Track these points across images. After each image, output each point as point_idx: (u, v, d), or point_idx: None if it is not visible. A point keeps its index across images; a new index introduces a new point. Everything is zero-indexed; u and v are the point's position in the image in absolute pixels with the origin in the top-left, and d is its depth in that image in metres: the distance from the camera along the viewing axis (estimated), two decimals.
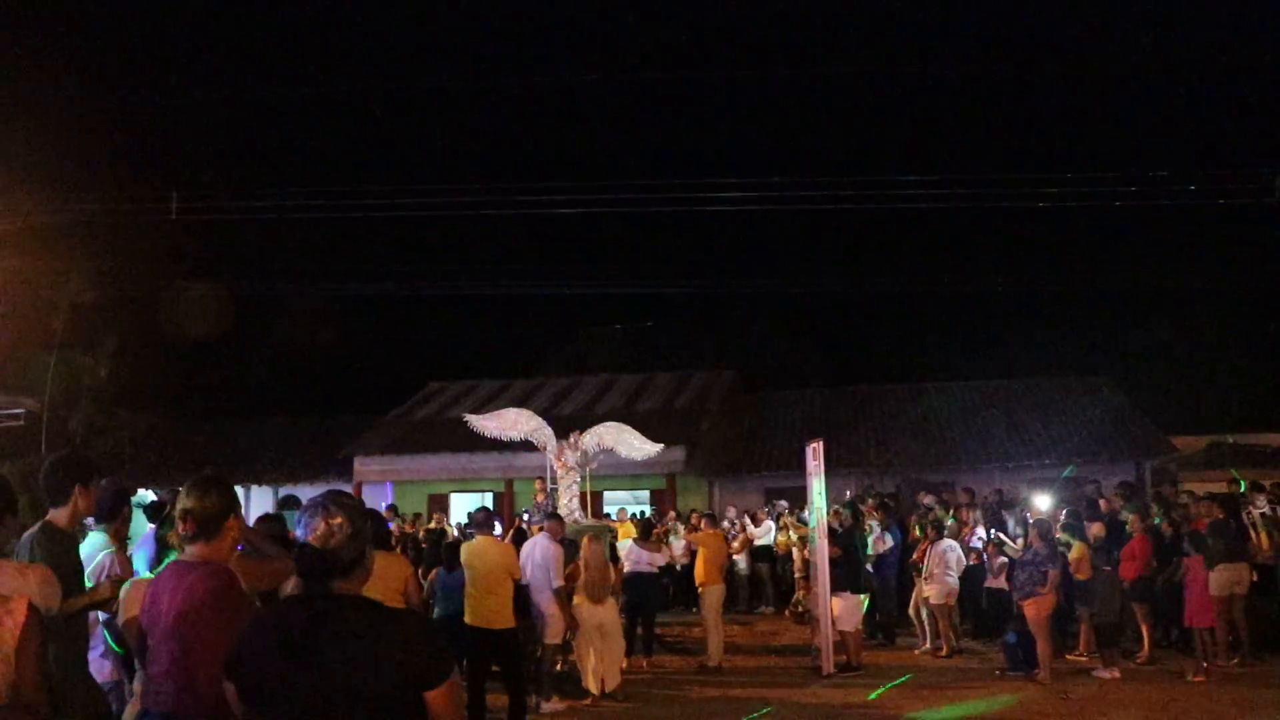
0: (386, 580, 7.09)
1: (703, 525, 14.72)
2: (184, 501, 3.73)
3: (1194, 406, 29.41)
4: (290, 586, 4.60)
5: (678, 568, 17.03)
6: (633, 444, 15.72)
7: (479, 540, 9.57)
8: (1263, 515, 12.57)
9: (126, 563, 5.58)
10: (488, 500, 23.81)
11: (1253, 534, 12.24)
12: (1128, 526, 12.23)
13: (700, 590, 12.71)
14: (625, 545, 13.08)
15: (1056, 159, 51.94)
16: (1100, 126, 53.29)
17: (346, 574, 2.85)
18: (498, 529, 13.19)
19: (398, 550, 11.22)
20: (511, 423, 15.89)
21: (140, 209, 19.51)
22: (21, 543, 4.81)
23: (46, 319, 26.87)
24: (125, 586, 4.51)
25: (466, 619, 9.14)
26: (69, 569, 4.80)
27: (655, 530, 17.11)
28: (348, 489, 22.47)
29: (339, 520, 2.84)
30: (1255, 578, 11.77)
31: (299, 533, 2.85)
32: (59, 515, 4.85)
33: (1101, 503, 14.38)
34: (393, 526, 16.30)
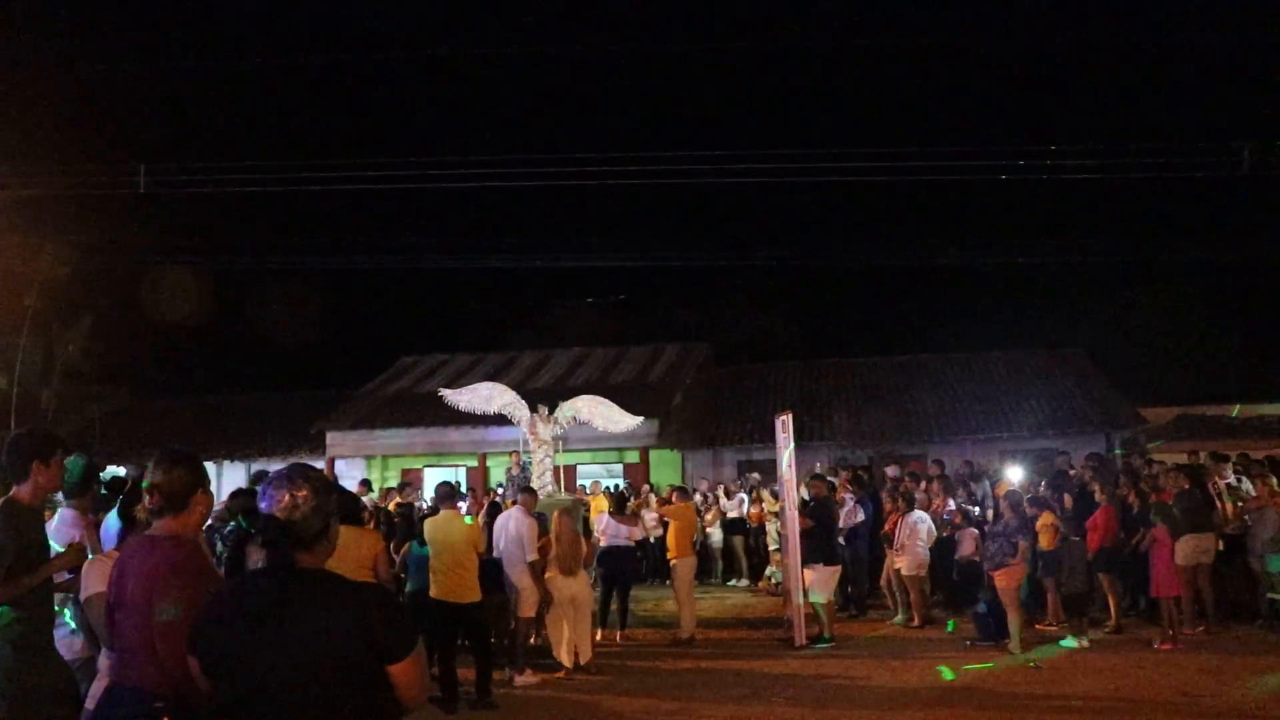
0: (356, 555, 7.09)
1: (674, 498, 14.73)
2: (151, 475, 3.71)
3: (1162, 378, 29.74)
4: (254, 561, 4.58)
5: (651, 540, 17.08)
6: (611, 417, 15.72)
7: (443, 515, 9.60)
8: (1228, 485, 12.72)
9: (95, 538, 5.55)
10: (461, 474, 23.79)
11: (1219, 504, 12.38)
12: (1095, 497, 12.35)
13: (672, 563, 12.74)
14: (603, 519, 13.07)
15: (1027, 132, 52.09)
16: (1071, 100, 53.43)
17: (310, 547, 2.83)
18: (464, 505, 13.21)
19: (370, 525, 11.20)
20: (485, 397, 15.85)
21: (109, 183, 19.27)
22: None
23: (18, 296, 26.55)
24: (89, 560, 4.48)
25: (432, 593, 9.17)
26: (33, 544, 4.78)
27: (630, 504, 17.18)
28: (320, 464, 22.42)
29: (304, 493, 2.82)
30: (1221, 547, 11.92)
31: (263, 505, 2.84)
32: (21, 491, 4.83)
33: (1071, 473, 14.51)
34: (367, 501, 16.25)
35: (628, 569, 13.19)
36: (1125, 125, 47.08)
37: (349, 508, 7.79)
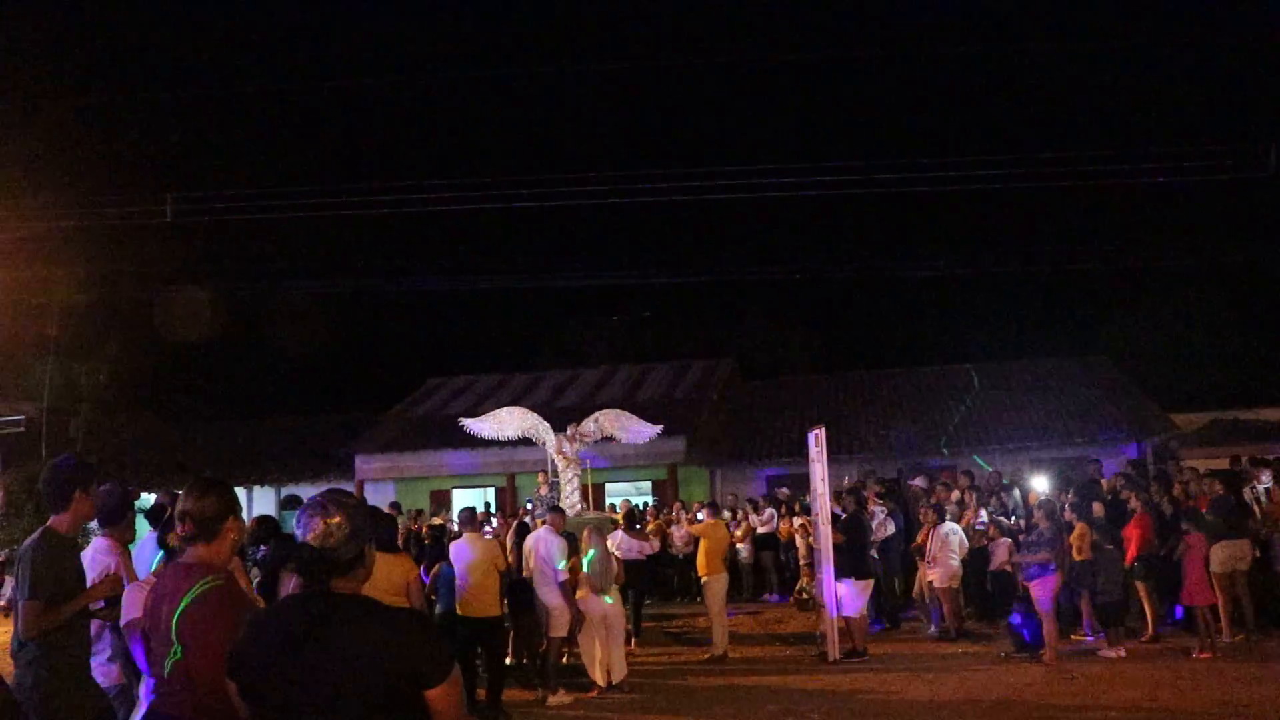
0: (387, 581, 7.16)
1: (704, 514, 14.71)
2: (182, 503, 3.73)
3: (1194, 383, 29.39)
4: (291, 586, 4.61)
5: (680, 557, 17.08)
6: (632, 427, 15.75)
7: (465, 537, 10.11)
8: (1266, 490, 12.56)
9: (130, 566, 5.58)
10: (490, 495, 23.85)
11: (1256, 510, 12.23)
12: (1128, 505, 12.24)
13: (703, 581, 12.71)
14: (616, 535, 13.10)
15: (1050, 138, 51.88)
16: (1094, 104, 53.23)
17: (345, 573, 2.85)
18: (493, 523, 13.42)
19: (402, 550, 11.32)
20: (507, 422, 15.90)
21: (137, 212, 19.46)
22: (23, 548, 4.83)
23: (45, 325, 26.85)
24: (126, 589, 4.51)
25: (458, 610, 9.64)
26: (70, 574, 4.81)
27: (654, 522, 17.28)
28: (349, 487, 22.50)
29: (337, 519, 2.83)
30: (1258, 553, 11.76)
31: (298, 532, 2.85)
32: (60, 521, 4.86)
33: (1103, 482, 14.39)
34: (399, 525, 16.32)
35: (639, 581, 13.27)
36: (1150, 128, 46.79)
37: (384, 533, 7.92)
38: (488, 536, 11.93)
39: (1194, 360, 31.85)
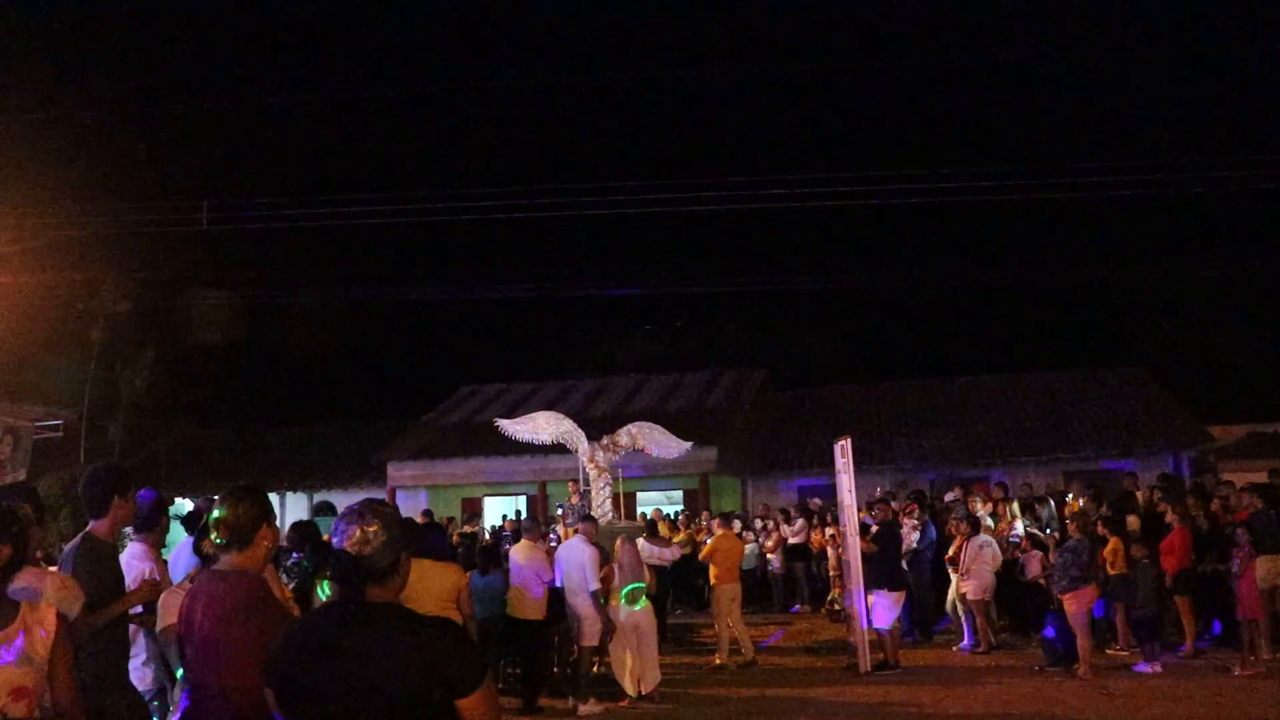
0: (439, 589, 7.19)
1: (714, 526, 14.71)
2: (217, 511, 3.76)
3: (1231, 395, 29.08)
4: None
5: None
6: (662, 442, 15.76)
7: (524, 541, 10.57)
8: None
9: (165, 572, 5.63)
10: (521, 503, 23.88)
11: None
12: (1165, 518, 12.09)
13: (714, 589, 12.73)
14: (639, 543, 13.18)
15: (1087, 149, 51.46)
16: (1130, 113, 52.81)
17: (380, 581, 2.86)
18: (555, 535, 13.79)
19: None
20: (542, 426, 15.94)
21: (172, 219, 19.70)
22: (64, 553, 4.90)
23: (83, 331, 27.18)
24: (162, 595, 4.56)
25: (508, 610, 10.16)
26: (109, 579, 4.86)
27: (685, 531, 17.36)
28: (381, 495, 22.61)
29: (374, 528, 2.86)
30: None
31: (335, 540, 2.88)
32: (99, 526, 4.92)
33: (1138, 494, 14.24)
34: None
35: (663, 586, 13.55)
36: (1189, 136, 46.37)
37: (434, 543, 7.96)
38: (552, 543, 12.40)
39: (1232, 372, 31.53)
